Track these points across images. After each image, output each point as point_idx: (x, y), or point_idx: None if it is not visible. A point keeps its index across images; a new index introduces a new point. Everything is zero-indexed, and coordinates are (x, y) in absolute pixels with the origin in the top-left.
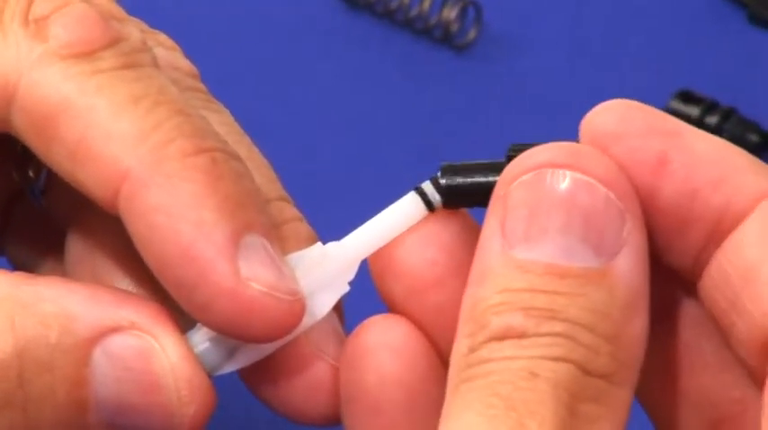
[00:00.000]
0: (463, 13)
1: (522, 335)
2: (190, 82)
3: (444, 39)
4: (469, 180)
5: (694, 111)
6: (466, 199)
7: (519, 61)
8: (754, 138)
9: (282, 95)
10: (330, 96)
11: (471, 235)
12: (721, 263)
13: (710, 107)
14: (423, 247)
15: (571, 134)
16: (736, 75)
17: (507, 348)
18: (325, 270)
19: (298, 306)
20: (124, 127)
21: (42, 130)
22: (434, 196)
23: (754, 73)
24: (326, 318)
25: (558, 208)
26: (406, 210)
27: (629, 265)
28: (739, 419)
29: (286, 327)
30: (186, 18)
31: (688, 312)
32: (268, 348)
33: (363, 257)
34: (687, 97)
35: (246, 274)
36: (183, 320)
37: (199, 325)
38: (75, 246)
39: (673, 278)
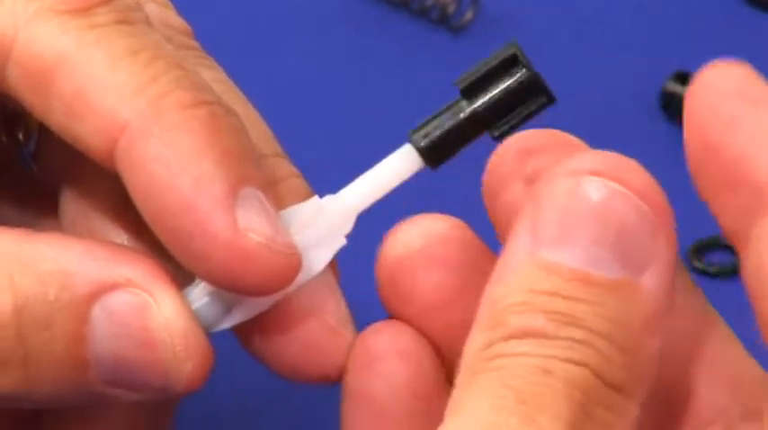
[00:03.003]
0: None
1: (541, 337)
2: (183, 39)
3: (441, 20)
4: (440, 132)
5: None
6: (446, 150)
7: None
8: None
9: (278, 76)
10: (326, 77)
11: (477, 255)
12: (760, 235)
13: None
14: (429, 271)
15: (567, 115)
16: (734, 56)
17: (524, 346)
18: (321, 224)
19: (294, 259)
20: (122, 79)
21: (39, 85)
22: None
23: (752, 54)
24: (322, 275)
25: (592, 216)
26: (401, 162)
27: (654, 283)
28: (693, 410)
29: (283, 279)
30: None
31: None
32: (264, 304)
33: (360, 210)
34: (684, 78)
35: (244, 225)
36: (179, 277)
37: (196, 281)
38: (69, 208)
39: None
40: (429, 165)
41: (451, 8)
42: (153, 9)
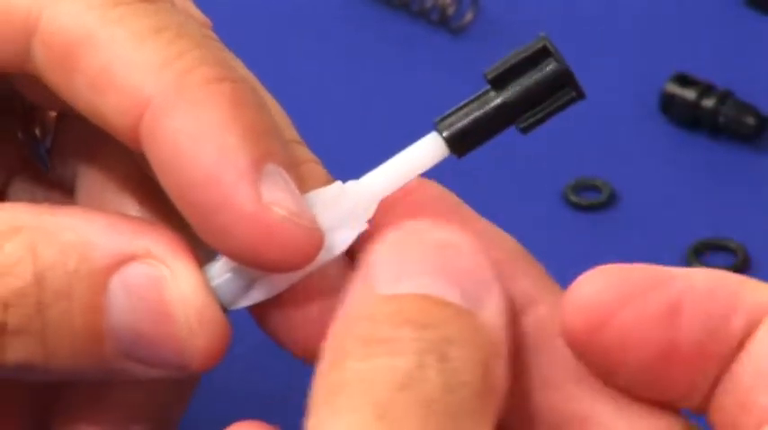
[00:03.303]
0: None
1: (394, 353)
2: (204, 31)
3: (441, 21)
4: (467, 121)
5: (691, 94)
6: (473, 140)
7: (515, 44)
8: (750, 120)
9: (279, 77)
10: (327, 78)
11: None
12: (722, 394)
13: (707, 90)
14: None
15: (566, 117)
16: (733, 57)
17: (376, 356)
18: (343, 207)
19: (317, 235)
20: (147, 55)
21: (63, 62)
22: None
23: (751, 56)
24: (343, 258)
25: (429, 257)
26: (426, 149)
27: (494, 316)
28: None
29: (305, 255)
30: None
31: (522, 336)
32: (284, 283)
33: (383, 196)
34: (683, 80)
35: (269, 199)
36: (201, 255)
37: (216, 258)
38: (84, 203)
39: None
40: (454, 153)
41: (451, 10)
42: (175, 0)
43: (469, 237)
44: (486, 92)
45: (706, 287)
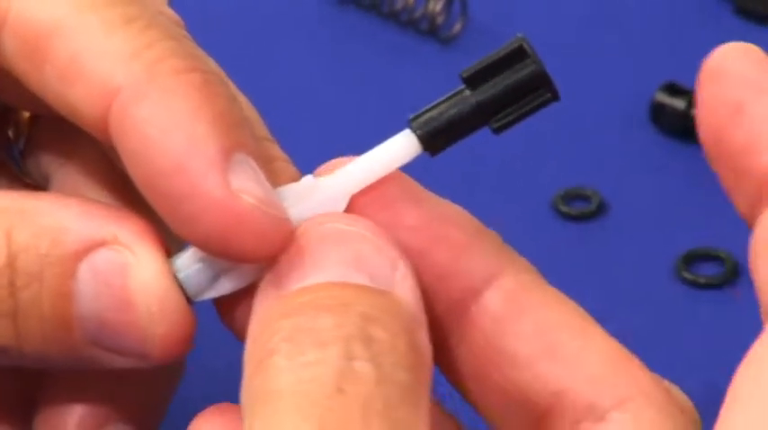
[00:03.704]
0: (449, 6)
1: (306, 336)
2: (177, 29)
3: (430, 31)
4: (441, 119)
5: (680, 103)
6: (446, 138)
7: None
8: None
9: (267, 87)
10: (315, 88)
11: None
12: (757, 228)
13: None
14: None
15: (556, 126)
16: None
17: (303, 354)
18: (314, 201)
19: (285, 224)
20: (117, 45)
21: (33, 53)
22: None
23: None
24: None
25: (332, 249)
26: (399, 146)
27: (405, 291)
28: (558, 410)
29: (273, 244)
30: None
31: (487, 314)
32: (250, 275)
33: (354, 191)
34: (673, 89)
35: (237, 187)
36: (173, 247)
37: (184, 249)
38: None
39: (465, 284)
40: (427, 151)
41: (440, 19)
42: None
43: (370, 222)
44: (461, 91)
45: None
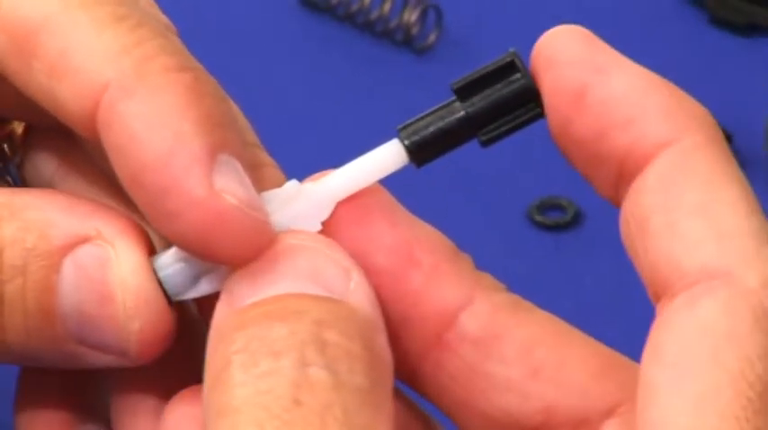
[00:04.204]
0: (424, 17)
1: (260, 345)
2: (170, 36)
3: (405, 42)
4: (429, 130)
5: None
6: (434, 149)
7: (479, 65)
8: None
9: (241, 98)
10: (290, 99)
11: None
12: (624, 209)
13: None
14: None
15: (532, 137)
16: (698, 76)
17: (258, 364)
18: (298, 207)
19: (267, 227)
20: (107, 41)
21: (22, 49)
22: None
23: (716, 74)
24: None
25: (279, 265)
26: (386, 156)
27: (360, 299)
28: (549, 427)
29: (254, 246)
30: None
31: (466, 339)
32: None
33: (339, 199)
34: None
35: (220, 187)
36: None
37: (167, 247)
38: None
39: (440, 308)
40: (414, 162)
41: (415, 30)
42: (141, 3)
43: (321, 236)
44: (451, 102)
45: (625, 88)
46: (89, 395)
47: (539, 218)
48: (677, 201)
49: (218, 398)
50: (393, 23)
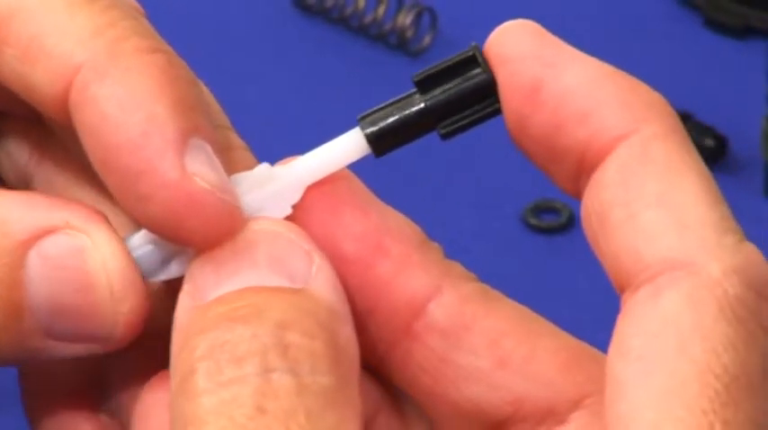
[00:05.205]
0: (418, 20)
1: (223, 352)
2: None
3: (399, 45)
4: (388, 121)
5: None
6: (393, 140)
7: None
8: (710, 142)
9: (236, 100)
10: (285, 102)
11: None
12: (585, 202)
13: None
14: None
15: None
16: (693, 80)
17: (222, 373)
18: (269, 189)
19: (237, 211)
20: (79, 23)
21: None
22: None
23: (710, 77)
24: None
25: (240, 253)
26: (349, 144)
27: (322, 285)
28: (518, 418)
29: (224, 229)
30: None
31: (434, 329)
32: None
33: (310, 182)
34: None
35: (192, 170)
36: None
37: (137, 230)
38: None
39: (408, 298)
40: (374, 152)
41: (409, 33)
42: None
43: (284, 221)
44: (412, 94)
45: (579, 81)
46: (101, 384)
47: (533, 221)
48: (637, 193)
49: (184, 405)
50: (387, 27)
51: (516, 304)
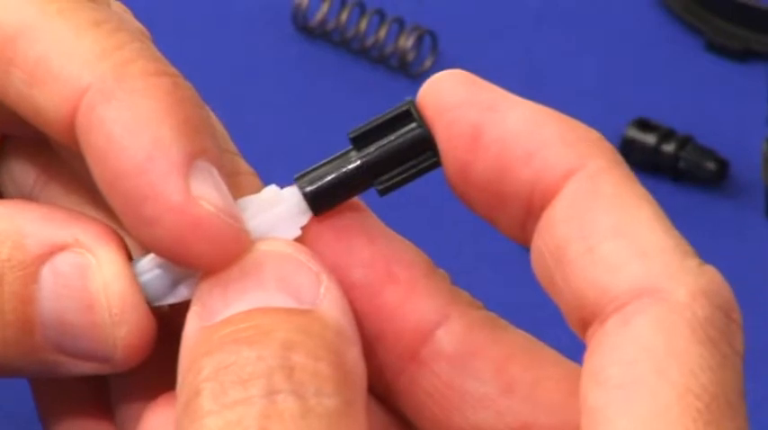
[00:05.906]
0: (419, 42)
1: (229, 374)
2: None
3: (400, 67)
4: (325, 180)
5: (651, 138)
6: (330, 198)
7: None
8: (711, 165)
9: (238, 124)
10: (287, 125)
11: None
12: (536, 243)
13: (667, 135)
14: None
15: None
16: (694, 102)
17: (227, 394)
18: (277, 212)
19: (243, 234)
20: (85, 46)
21: (0, 56)
22: None
23: (711, 100)
24: None
25: (248, 273)
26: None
27: (330, 306)
28: None
29: (230, 252)
30: None
31: (441, 356)
32: None
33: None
34: (644, 125)
35: (197, 193)
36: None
37: (145, 253)
38: None
39: (416, 324)
40: (312, 210)
41: (411, 55)
42: (114, 8)
43: (292, 242)
44: (348, 151)
45: (518, 123)
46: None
47: None
48: (592, 226)
49: (190, 427)
50: (388, 49)
51: (523, 332)
